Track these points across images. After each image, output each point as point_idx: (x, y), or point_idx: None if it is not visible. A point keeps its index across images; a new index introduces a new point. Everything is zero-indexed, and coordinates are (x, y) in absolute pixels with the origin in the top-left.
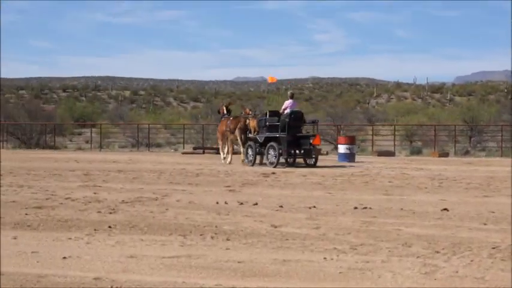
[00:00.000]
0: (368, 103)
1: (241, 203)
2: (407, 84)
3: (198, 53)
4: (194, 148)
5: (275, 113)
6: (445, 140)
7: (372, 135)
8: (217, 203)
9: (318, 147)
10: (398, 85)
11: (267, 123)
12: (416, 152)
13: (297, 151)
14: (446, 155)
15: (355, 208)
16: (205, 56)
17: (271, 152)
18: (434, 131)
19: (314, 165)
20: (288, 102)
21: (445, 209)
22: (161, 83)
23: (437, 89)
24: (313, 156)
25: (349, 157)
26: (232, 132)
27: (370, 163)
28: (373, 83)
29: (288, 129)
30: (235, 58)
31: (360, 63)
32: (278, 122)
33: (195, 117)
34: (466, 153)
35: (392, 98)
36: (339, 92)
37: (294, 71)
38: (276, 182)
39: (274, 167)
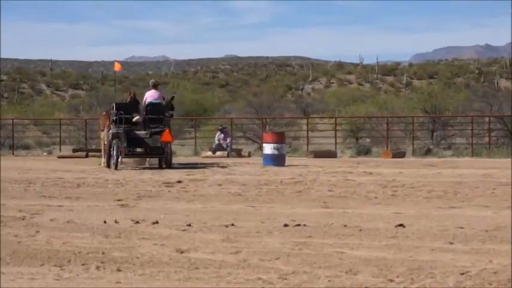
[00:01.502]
0: (302, 89)
1: (137, 222)
2: (352, 64)
3: (79, 26)
4: (74, 150)
5: (126, 105)
6: (400, 136)
7: (307, 130)
8: (104, 222)
9: (170, 145)
10: (341, 66)
11: (113, 118)
12: (364, 151)
13: (145, 150)
14: (402, 155)
15: (286, 225)
16: (89, 29)
17: (114, 151)
18: (387, 124)
19: (167, 167)
20: (148, 93)
21: (401, 225)
22: (29, 65)
23: (390, 70)
24: (164, 156)
25: (278, 159)
26: (102, 130)
27: (304, 167)
28: (307, 63)
29: (144, 124)
30: (129, 32)
31: (291, 38)
32: (130, 115)
33: (75, 110)
34: (427, 152)
35: (332, 83)
36: (263, 76)
37: (205, 49)
38: (183, 194)
39: (115, 168)
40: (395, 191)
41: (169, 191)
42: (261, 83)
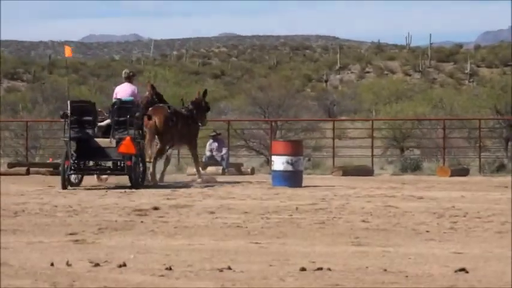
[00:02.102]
0: (326, 81)
1: (97, 264)
2: (396, 47)
3: None
4: (11, 165)
5: (84, 105)
6: (462, 147)
7: (333, 138)
8: (52, 264)
9: (131, 157)
10: (380, 49)
11: (67, 120)
12: (412, 167)
13: (100, 163)
14: (464, 172)
15: (303, 269)
16: None
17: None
18: (444, 130)
19: (135, 187)
20: (119, 88)
21: (462, 270)
22: None
23: (449, 55)
24: (129, 173)
25: (292, 178)
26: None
27: (329, 188)
28: (334, 45)
29: (108, 129)
30: (87, 1)
31: (311, 11)
32: (89, 116)
33: (11, 109)
34: (500, 168)
35: (368, 72)
36: (273, 62)
37: (193, 24)
38: (161, 225)
39: (62, 187)
40: (455, 222)
41: (142, 222)
42: (269, 73)
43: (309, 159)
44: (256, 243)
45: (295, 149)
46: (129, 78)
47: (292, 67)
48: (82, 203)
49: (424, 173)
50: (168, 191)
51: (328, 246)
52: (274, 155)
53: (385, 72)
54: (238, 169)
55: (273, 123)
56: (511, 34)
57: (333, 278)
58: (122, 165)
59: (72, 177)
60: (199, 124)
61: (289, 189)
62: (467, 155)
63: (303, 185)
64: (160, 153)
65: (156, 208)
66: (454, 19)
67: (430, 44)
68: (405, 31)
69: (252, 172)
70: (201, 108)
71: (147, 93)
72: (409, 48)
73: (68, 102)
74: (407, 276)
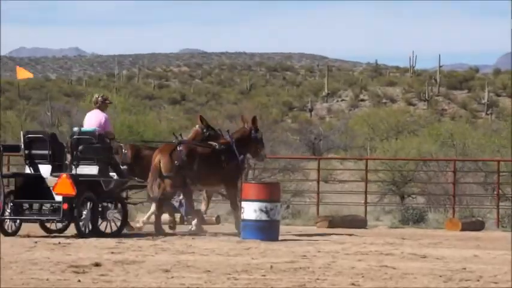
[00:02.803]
0: (311, 110)
1: None
2: (397, 69)
3: None
4: None
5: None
6: (477, 195)
7: (318, 180)
8: None
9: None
10: (377, 71)
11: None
12: (415, 218)
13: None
14: (479, 226)
15: None
16: None
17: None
18: (454, 173)
19: (80, 235)
20: (86, 115)
21: None
22: None
23: (462, 81)
24: (60, 220)
25: (266, 229)
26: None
27: (312, 243)
28: (321, 65)
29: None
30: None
31: (293, 22)
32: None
33: None
34: None
35: (363, 100)
36: (246, 86)
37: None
38: (103, 286)
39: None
40: None
41: (79, 281)
42: (241, 98)
43: (288, 207)
44: None
45: (271, 193)
46: (98, 104)
47: (269, 92)
48: (5, 256)
49: (430, 226)
50: (113, 242)
51: None
52: (244, 200)
53: (384, 100)
54: (200, 217)
55: (245, 162)
56: None
57: None
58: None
59: (6, 224)
60: (244, 161)
61: (263, 243)
62: (482, 205)
63: (280, 238)
64: (165, 197)
65: (97, 264)
66: (469, 37)
67: (440, 66)
68: (409, 50)
69: (218, 221)
70: (247, 140)
71: (197, 126)
72: (414, 71)
73: (21, 133)
74: None
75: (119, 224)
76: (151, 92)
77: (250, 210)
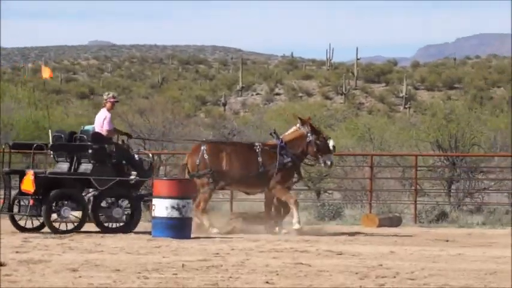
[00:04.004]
0: (224, 104)
1: None
2: (314, 62)
3: None
4: None
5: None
6: (394, 190)
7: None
8: None
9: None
10: (293, 64)
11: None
12: (331, 215)
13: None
14: (396, 222)
15: None
16: None
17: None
18: (371, 168)
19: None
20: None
21: None
22: None
23: (380, 73)
24: (27, 215)
25: (179, 227)
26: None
27: (225, 241)
28: (236, 58)
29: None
30: None
31: (207, 14)
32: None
33: None
34: (441, 218)
35: (278, 94)
36: (157, 80)
37: (54, 30)
38: (8, 286)
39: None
40: (383, 285)
41: None
42: (152, 92)
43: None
44: None
45: (183, 189)
46: (104, 103)
47: (181, 86)
48: None
49: (346, 222)
50: (18, 241)
51: None
52: (155, 197)
53: (300, 94)
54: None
55: (156, 157)
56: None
57: None
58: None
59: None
60: (292, 165)
61: (174, 241)
62: (400, 200)
63: (192, 236)
64: (203, 199)
65: (1, 264)
66: (387, 29)
67: (357, 59)
68: (326, 43)
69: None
70: (301, 143)
71: (302, 129)
72: (330, 64)
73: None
74: None
75: (128, 220)
76: (58, 86)
77: (162, 208)
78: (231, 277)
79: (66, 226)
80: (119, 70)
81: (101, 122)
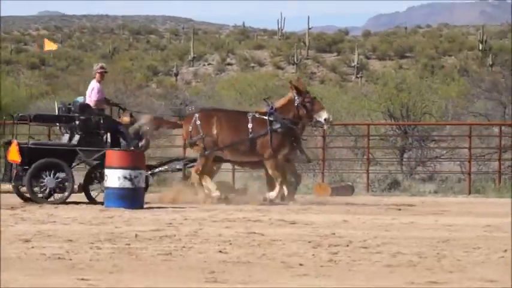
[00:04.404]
0: (176, 75)
1: None
2: (265, 32)
3: None
4: None
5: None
6: (346, 159)
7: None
8: None
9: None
10: (245, 34)
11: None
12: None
13: None
14: (348, 190)
15: None
16: None
17: None
18: (323, 137)
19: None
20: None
21: None
22: None
23: (331, 43)
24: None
25: (131, 197)
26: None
27: (178, 211)
28: (186, 28)
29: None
30: None
31: None
32: None
33: None
34: (393, 186)
35: (230, 64)
36: (108, 50)
37: None
38: None
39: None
40: (336, 253)
41: None
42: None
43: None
44: (83, 279)
45: (135, 160)
46: (94, 74)
47: (132, 56)
48: None
49: (299, 191)
50: None
51: (175, 283)
52: (108, 167)
53: (252, 64)
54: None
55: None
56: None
57: None
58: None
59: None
60: (283, 130)
61: (127, 211)
62: (352, 169)
63: (145, 206)
64: (201, 166)
65: None
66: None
67: (308, 29)
68: (277, 12)
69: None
70: (291, 107)
71: (290, 94)
72: (282, 34)
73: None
74: None
75: None
76: (8, 57)
77: (114, 178)
78: (184, 247)
79: (50, 196)
80: (70, 40)
81: (90, 92)
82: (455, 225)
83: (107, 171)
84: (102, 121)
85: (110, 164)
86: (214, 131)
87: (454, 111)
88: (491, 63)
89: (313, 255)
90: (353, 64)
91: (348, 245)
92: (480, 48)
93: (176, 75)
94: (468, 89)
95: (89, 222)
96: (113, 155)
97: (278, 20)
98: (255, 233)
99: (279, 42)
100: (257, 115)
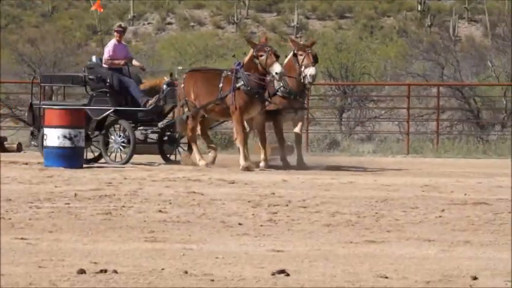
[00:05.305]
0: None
1: None
2: None
3: None
4: None
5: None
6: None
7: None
8: None
9: None
10: None
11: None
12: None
13: None
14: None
15: (81, 272)
16: None
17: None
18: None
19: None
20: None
21: (282, 272)
22: None
23: (271, 3)
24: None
25: (70, 157)
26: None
27: (118, 170)
28: None
29: None
30: None
31: None
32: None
33: None
34: (332, 146)
35: (170, 24)
36: (47, 9)
37: None
38: None
39: None
40: (275, 213)
41: None
42: (42, 22)
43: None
44: (22, 238)
45: (75, 119)
46: (118, 33)
47: (72, 15)
48: None
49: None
50: None
51: (114, 243)
52: (46, 127)
53: (192, 23)
54: (0, 145)
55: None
56: None
57: (120, 282)
58: None
59: None
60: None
61: (67, 170)
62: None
63: (84, 165)
64: (190, 126)
65: None
66: None
67: None
68: None
69: (19, 149)
70: (251, 63)
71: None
72: None
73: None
74: (213, 280)
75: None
76: None
77: (53, 137)
78: (123, 206)
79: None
80: None
81: (104, 51)
82: (394, 185)
83: (46, 130)
84: (109, 79)
85: (50, 123)
86: (192, 94)
87: (393, 71)
88: (429, 23)
89: (252, 214)
90: (293, 24)
91: (287, 205)
92: (419, 9)
93: None
94: (406, 49)
95: (29, 182)
96: (52, 114)
97: None
98: (194, 192)
99: (219, 1)
100: (229, 74)
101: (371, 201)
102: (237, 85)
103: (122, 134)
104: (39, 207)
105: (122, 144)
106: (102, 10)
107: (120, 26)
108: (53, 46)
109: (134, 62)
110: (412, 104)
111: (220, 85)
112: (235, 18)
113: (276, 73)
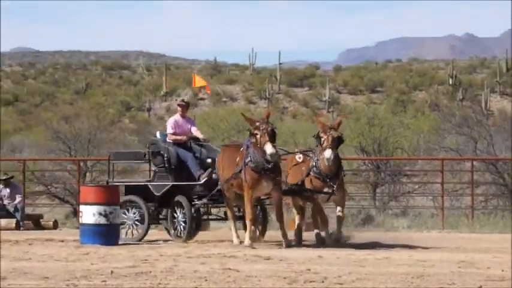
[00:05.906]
0: (149, 110)
1: None
2: (237, 67)
3: None
4: None
5: None
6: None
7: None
8: None
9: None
10: (217, 69)
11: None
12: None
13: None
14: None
15: None
16: None
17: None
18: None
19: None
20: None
21: None
22: None
23: (303, 77)
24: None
25: (106, 233)
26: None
27: (154, 246)
28: (159, 64)
29: None
30: None
31: (129, 23)
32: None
33: None
34: (367, 221)
35: (202, 99)
36: (82, 85)
37: None
38: None
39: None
40: None
41: None
42: (76, 99)
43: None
44: None
45: (111, 196)
46: (182, 107)
47: (105, 92)
48: None
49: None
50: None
51: None
52: (82, 204)
53: (224, 99)
54: (36, 222)
55: (82, 163)
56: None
57: None
58: None
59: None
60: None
61: (103, 247)
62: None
63: (121, 242)
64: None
65: None
66: (309, 34)
67: (279, 63)
68: (248, 47)
69: (55, 226)
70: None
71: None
72: (254, 69)
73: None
74: None
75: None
76: None
77: (89, 214)
78: (160, 283)
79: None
80: (43, 76)
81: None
82: (430, 261)
83: (82, 207)
84: (166, 155)
85: (85, 200)
86: (221, 168)
87: (426, 146)
88: (461, 97)
89: None
90: (324, 99)
91: (323, 281)
92: (450, 82)
93: (149, 110)
94: (439, 123)
95: (65, 259)
96: (88, 191)
97: (249, 55)
98: (230, 269)
99: (251, 76)
100: (244, 148)
101: (407, 277)
102: (246, 160)
103: (181, 210)
104: (76, 285)
105: (183, 220)
106: (210, 92)
107: (182, 100)
108: (87, 123)
109: (197, 134)
110: (446, 179)
111: (237, 159)
112: (267, 93)
113: (270, 154)
